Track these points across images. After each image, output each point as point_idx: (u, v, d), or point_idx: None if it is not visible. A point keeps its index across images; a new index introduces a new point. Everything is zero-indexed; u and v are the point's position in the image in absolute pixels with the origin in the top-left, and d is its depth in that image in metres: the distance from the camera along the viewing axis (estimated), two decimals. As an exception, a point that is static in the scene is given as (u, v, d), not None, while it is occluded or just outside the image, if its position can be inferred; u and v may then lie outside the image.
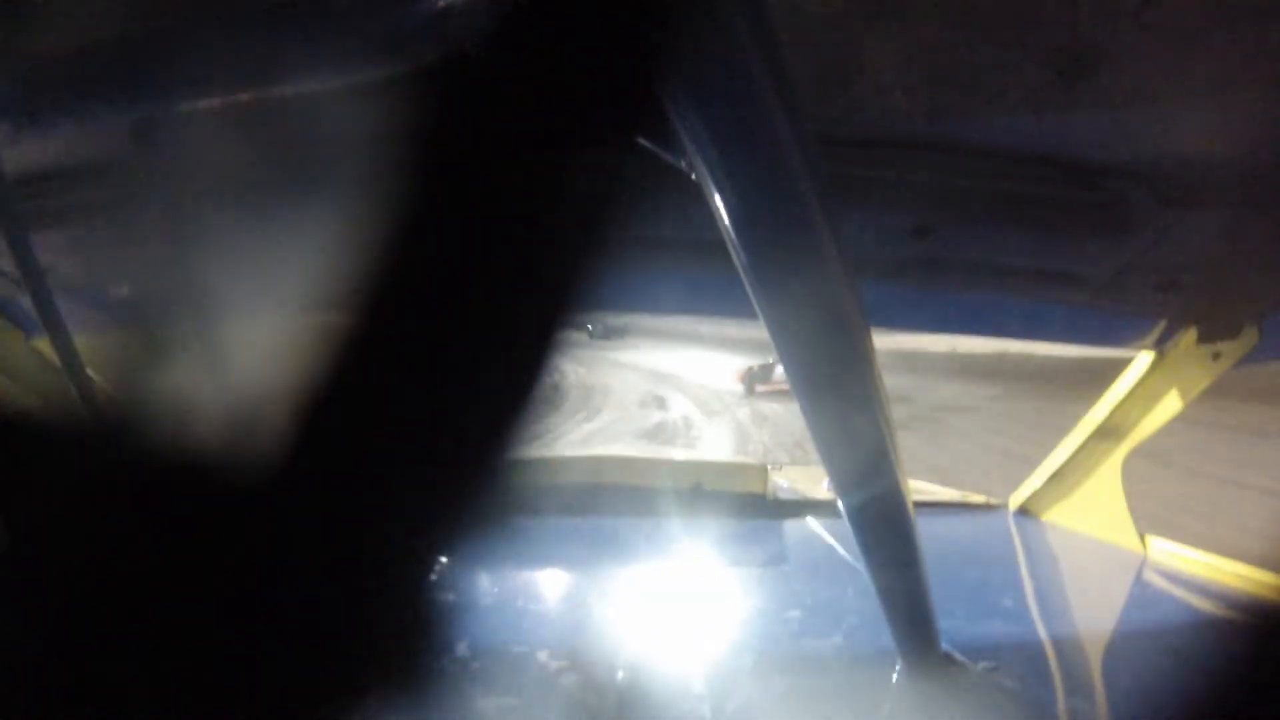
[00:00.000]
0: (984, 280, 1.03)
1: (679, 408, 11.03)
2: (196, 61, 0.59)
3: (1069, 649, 0.90)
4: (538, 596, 1.01)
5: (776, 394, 11.80)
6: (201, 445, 0.26)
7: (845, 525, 0.75)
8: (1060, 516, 1.44)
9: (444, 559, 0.27)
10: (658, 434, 8.80)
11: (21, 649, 0.23)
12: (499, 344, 0.26)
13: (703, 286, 1.04)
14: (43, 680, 0.23)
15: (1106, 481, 1.34)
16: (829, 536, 1.32)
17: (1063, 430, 1.43)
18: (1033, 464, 1.52)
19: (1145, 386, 1.20)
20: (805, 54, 0.64)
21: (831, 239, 0.50)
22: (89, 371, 0.79)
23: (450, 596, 0.27)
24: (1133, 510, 1.32)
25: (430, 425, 0.25)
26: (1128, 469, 1.33)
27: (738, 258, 0.51)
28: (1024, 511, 1.51)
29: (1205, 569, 1.14)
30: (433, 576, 0.27)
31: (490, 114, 0.24)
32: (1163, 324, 1.10)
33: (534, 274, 0.26)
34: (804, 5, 0.59)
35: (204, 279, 0.70)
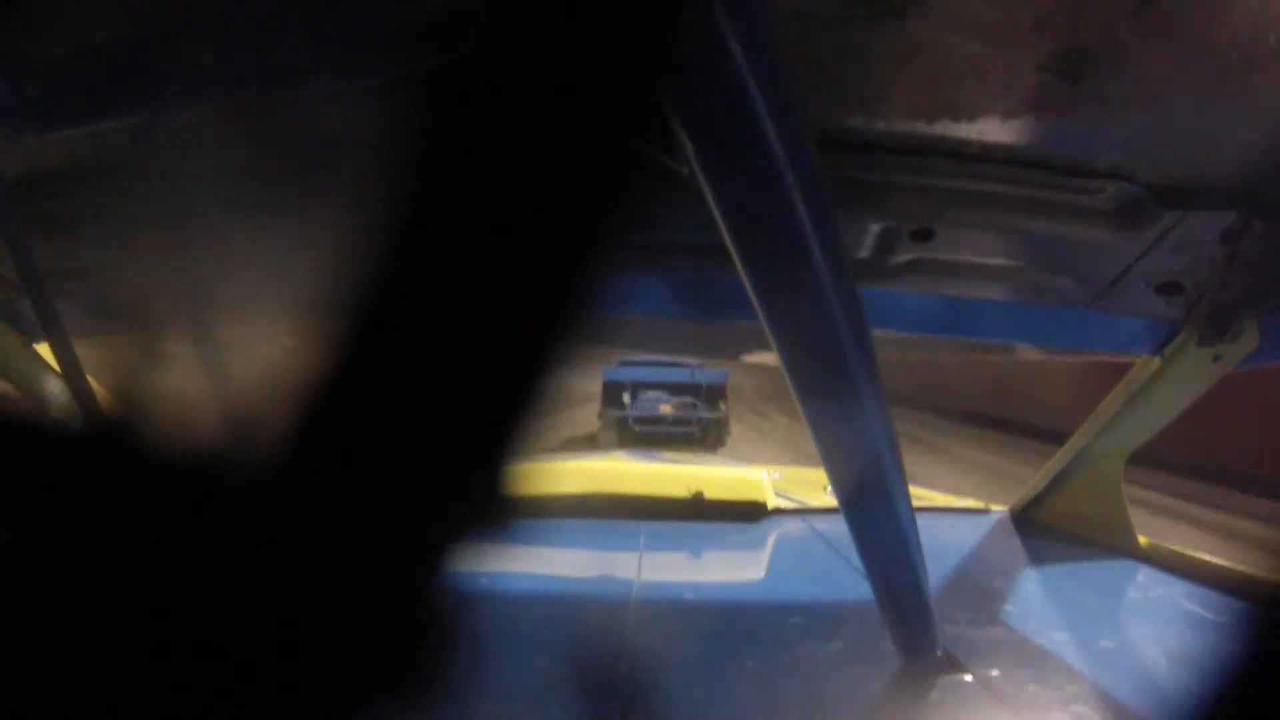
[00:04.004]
0: (984, 283, 1.03)
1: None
2: (198, 64, 0.59)
3: (1070, 654, 0.90)
4: (538, 601, 1.00)
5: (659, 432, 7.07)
6: (202, 449, 0.26)
7: (845, 530, 0.75)
8: (1060, 521, 1.43)
9: (444, 563, 0.27)
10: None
11: (21, 649, 0.23)
12: (499, 347, 0.26)
13: (704, 290, 1.04)
14: (43, 680, 0.23)
15: (1107, 486, 1.34)
16: (829, 542, 1.32)
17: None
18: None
19: (1145, 390, 1.19)
20: (804, 56, 0.64)
21: (832, 242, 0.50)
22: (89, 376, 0.79)
23: (450, 600, 0.27)
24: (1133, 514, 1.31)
25: (430, 429, 0.25)
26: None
27: (738, 261, 0.51)
28: (1024, 516, 1.51)
29: (1206, 573, 1.13)
30: (433, 580, 0.27)
31: (488, 119, 0.24)
32: (1163, 327, 1.10)
33: (534, 278, 0.26)
34: (803, 6, 0.59)
35: (205, 283, 0.70)
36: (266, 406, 0.25)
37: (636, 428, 7.07)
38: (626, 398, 7.43)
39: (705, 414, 7.43)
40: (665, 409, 7.33)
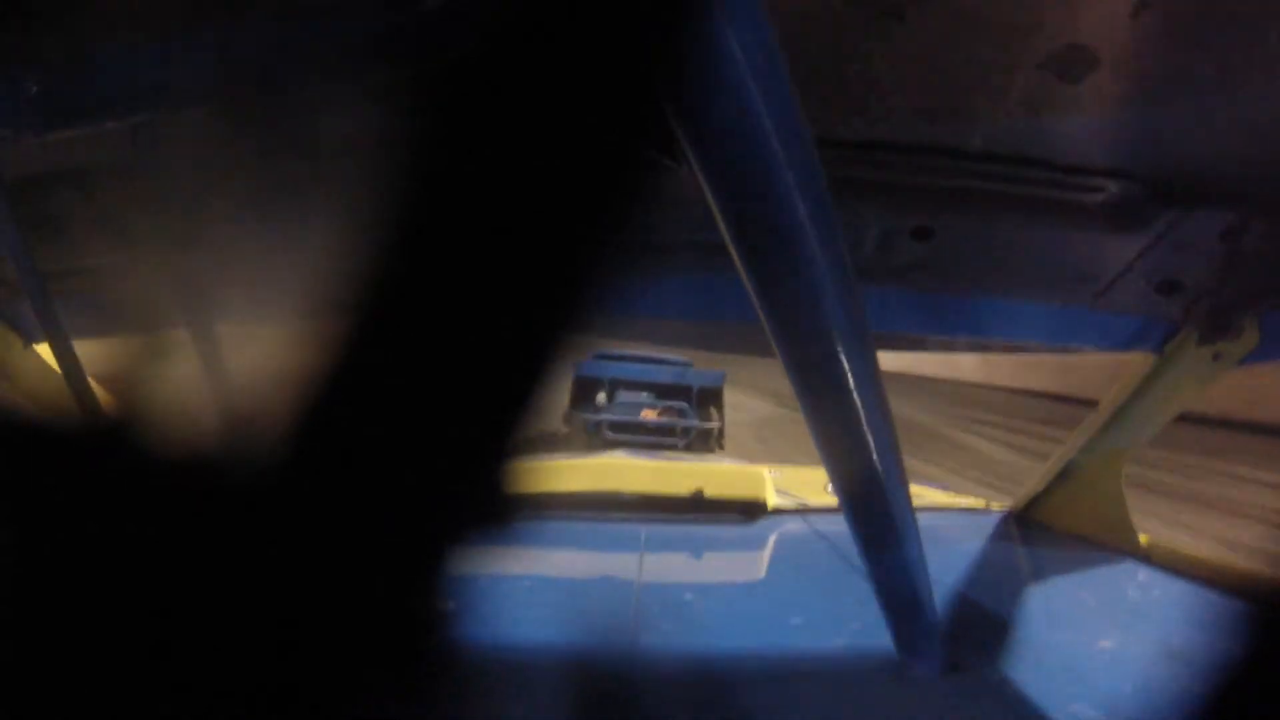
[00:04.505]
0: (984, 282, 1.03)
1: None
2: (198, 65, 0.59)
3: (1071, 652, 0.90)
4: (539, 600, 1.00)
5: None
6: (202, 449, 0.26)
7: (846, 529, 0.75)
8: (1061, 520, 1.43)
9: (444, 561, 0.27)
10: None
11: (22, 649, 0.23)
12: (500, 347, 0.26)
13: (704, 290, 1.04)
14: (43, 680, 0.23)
15: (1108, 485, 1.34)
16: (830, 541, 1.32)
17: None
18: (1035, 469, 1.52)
19: (1145, 389, 1.19)
20: (805, 56, 0.64)
21: (832, 242, 0.50)
22: (89, 377, 0.79)
23: (450, 600, 0.27)
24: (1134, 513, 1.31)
25: (431, 428, 0.25)
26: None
27: (738, 261, 0.51)
28: (1025, 515, 1.51)
29: (1207, 571, 1.13)
30: (433, 579, 0.27)
31: (487, 119, 0.24)
32: (1163, 325, 1.10)
33: (534, 279, 0.26)
34: (803, 7, 0.59)
35: (205, 283, 0.70)
36: (266, 406, 0.25)
37: (610, 434, 5.48)
38: (602, 398, 5.84)
39: (696, 423, 5.86)
40: (648, 414, 5.80)
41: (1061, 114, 0.72)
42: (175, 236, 0.69)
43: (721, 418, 6.14)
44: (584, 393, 5.79)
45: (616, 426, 5.56)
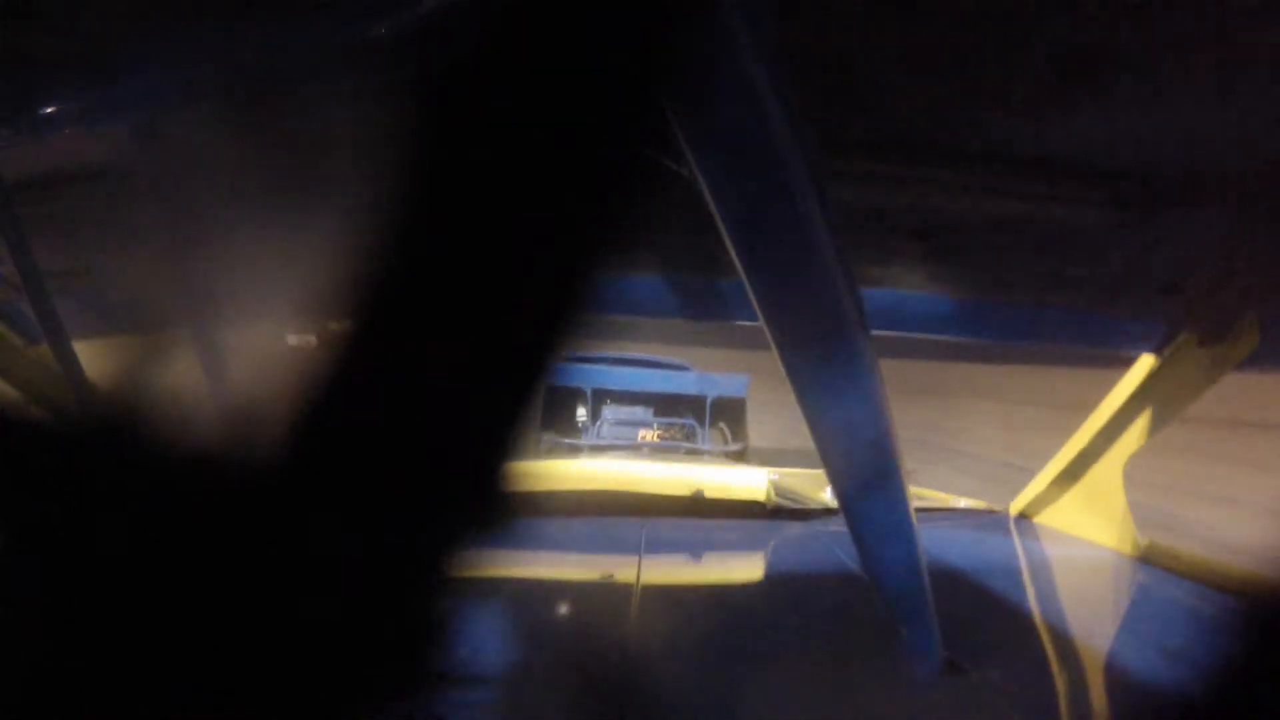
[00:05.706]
0: (984, 283, 1.04)
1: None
2: (198, 64, 0.59)
3: (1070, 653, 0.90)
4: (539, 601, 1.00)
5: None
6: (201, 449, 0.26)
7: (846, 530, 0.75)
8: (1061, 521, 1.44)
9: (444, 563, 0.27)
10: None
11: (21, 649, 0.23)
12: (501, 348, 0.26)
13: (704, 290, 1.04)
14: (43, 680, 0.23)
15: (1107, 486, 1.34)
16: (830, 542, 1.32)
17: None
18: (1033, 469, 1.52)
19: (1145, 390, 1.20)
20: (805, 57, 0.64)
21: (832, 242, 0.50)
22: (89, 376, 0.79)
23: (450, 600, 0.27)
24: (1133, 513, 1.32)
25: (431, 428, 0.25)
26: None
27: (738, 262, 0.51)
28: (1024, 516, 1.51)
29: (1206, 572, 1.13)
30: (433, 581, 0.27)
31: (489, 120, 0.24)
32: (1163, 326, 1.10)
33: (536, 280, 0.26)
34: (804, 8, 0.59)
35: (204, 283, 0.70)
36: (266, 406, 0.25)
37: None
38: (582, 414, 4.17)
39: (710, 446, 4.13)
40: (646, 436, 4.13)
41: (1063, 113, 0.72)
42: (175, 236, 0.69)
43: (744, 437, 4.41)
44: (558, 407, 4.17)
45: (603, 451, 3.67)
